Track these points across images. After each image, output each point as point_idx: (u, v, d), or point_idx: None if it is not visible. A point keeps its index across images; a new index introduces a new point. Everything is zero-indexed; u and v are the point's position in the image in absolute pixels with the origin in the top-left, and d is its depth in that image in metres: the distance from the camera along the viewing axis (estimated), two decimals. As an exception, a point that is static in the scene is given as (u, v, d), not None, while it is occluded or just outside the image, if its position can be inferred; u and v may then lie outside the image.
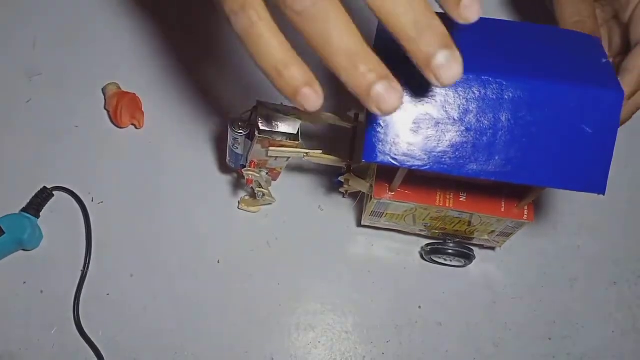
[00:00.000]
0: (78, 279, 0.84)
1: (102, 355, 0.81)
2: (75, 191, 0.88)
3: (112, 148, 0.91)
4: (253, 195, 0.84)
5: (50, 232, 0.87)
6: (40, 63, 0.96)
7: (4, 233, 0.82)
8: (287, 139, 0.72)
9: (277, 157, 0.74)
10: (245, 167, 0.77)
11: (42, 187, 0.87)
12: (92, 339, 0.82)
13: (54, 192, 0.88)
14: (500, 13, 0.71)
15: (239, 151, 0.77)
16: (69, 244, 0.86)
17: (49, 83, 0.95)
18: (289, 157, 0.75)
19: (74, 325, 0.82)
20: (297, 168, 0.91)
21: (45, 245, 0.86)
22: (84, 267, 0.85)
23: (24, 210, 0.86)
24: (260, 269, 0.86)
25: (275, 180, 0.83)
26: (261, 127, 0.71)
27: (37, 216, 0.87)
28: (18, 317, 0.82)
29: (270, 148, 0.72)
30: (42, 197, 0.87)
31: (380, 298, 0.86)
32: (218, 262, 0.86)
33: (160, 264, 0.86)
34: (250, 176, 0.77)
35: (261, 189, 0.81)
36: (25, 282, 0.84)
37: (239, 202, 0.88)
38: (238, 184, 0.89)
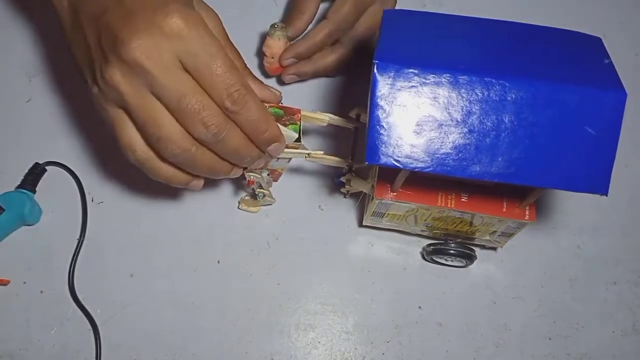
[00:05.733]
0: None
1: (101, 354, 0.81)
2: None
3: (112, 148, 0.90)
4: (253, 195, 0.84)
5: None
6: (40, 63, 0.96)
7: (3, 210, 0.82)
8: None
9: (278, 158, 0.74)
10: (246, 168, 0.77)
11: (33, 163, 0.89)
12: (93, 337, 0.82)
13: (46, 168, 0.89)
14: (503, 14, 0.71)
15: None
16: (69, 242, 0.86)
17: (49, 83, 0.95)
18: (290, 158, 0.75)
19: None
20: (298, 168, 0.91)
21: (46, 244, 0.86)
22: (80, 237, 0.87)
23: (19, 187, 0.87)
24: (260, 269, 0.86)
25: (276, 181, 0.83)
26: None
27: (34, 191, 0.87)
28: (18, 317, 0.82)
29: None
30: (36, 172, 0.88)
31: (380, 298, 0.86)
32: (218, 262, 0.86)
33: (160, 264, 0.86)
34: (252, 177, 0.77)
35: (262, 190, 0.81)
36: (25, 282, 0.84)
37: (239, 202, 0.88)
38: (238, 184, 0.89)
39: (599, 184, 0.61)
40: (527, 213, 0.75)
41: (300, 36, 0.92)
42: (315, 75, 0.95)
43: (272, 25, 0.89)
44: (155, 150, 0.65)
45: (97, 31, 0.63)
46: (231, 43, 0.68)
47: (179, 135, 0.63)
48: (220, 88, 0.62)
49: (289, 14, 0.93)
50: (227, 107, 0.63)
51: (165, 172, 0.68)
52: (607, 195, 0.61)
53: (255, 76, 0.70)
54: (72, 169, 0.89)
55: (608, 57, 0.65)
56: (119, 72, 0.61)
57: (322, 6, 0.96)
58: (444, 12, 0.71)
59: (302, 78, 0.95)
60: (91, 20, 0.64)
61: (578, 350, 0.84)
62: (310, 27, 0.92)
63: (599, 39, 0.68)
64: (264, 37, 0.92)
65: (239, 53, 0.68)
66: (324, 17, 0.91)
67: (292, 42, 0.92)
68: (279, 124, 0.70)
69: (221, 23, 0.69)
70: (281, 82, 0.96)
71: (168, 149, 0.63)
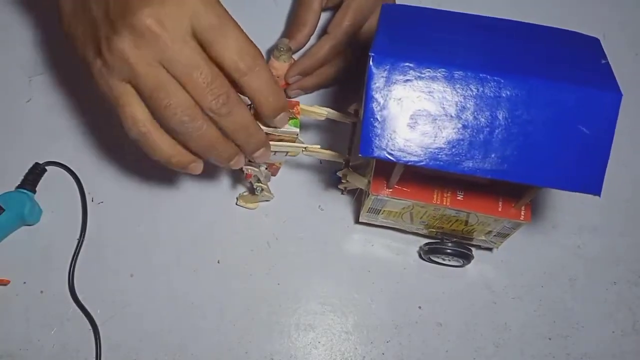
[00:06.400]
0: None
1: (101, 354, 0.81)
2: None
3: (111, 148, 0.91)
4: (252, 190, 0.84)
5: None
6: (40, 63, 0.96)
7: (3, 210, 0.82)
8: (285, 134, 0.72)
9: (275, 151, 0.74)
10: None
11: (33, 163, 0.89)
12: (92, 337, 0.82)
13: (46, 167, 0.90)
14: (502, 13, 0.71)
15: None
16: (69, 242, 0.86)
17: (49, 83, 0.95)
18: (287, 152, 0.75)
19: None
20: (298, 167, 0.91)
21: (46, 244, 0.86)
22: (80, 236, 0.87)
23: (19, 187, 0.87)
24: (260, 269, 0.86)
25: (274, 175, 0.83)
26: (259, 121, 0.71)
27: (34, 191, 0.88)
28: (18, 317, 0.82)
29: (269, 142, 0.72)
30: (36, 172, 0.88)
31: (380, 298, 0.86)
32: (218, 262, 0.86)
33: (160, 264, 0.86)
34: (250, 171, 0.77)
35: (260, 184, 0.81)
36: (25, 282, 0.84)
37: (237, 199, 0.88)
38: (237, 180, 0.89)
39: (592, 184, 0.61)
40: (522, 213, 0.75)
41: (303, 48, 0.94)
42: (318, 87, 0.95)
43: (278, 48, 0.89)
44: (163, 119, 0.65)
45: (106, 3, 0.63)
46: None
47: (189, 103, 0.63)
48: (234, 57, 0.63)
49: (290, 27, 0.94)
50: (240, 68, 0.64)
51: (166, 149, 0.67)
52: (599, 196, 0.61)
53: None
54: (72, 169, 0.89)
55: (605, 57, 0.65)
56: (127, 41, 0.61)
57: (324, 15, 0.96)
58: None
59: (306, 91, 0.96)
60: None
61: (578, 350, 0.84)
62: (312, 38, 0.94)
63: (597, 40, 0.68)
64: (263, 42, 0.92)
65: None
66: (325, 31, 0.91)
67: (295, 59, 0.93)
68: None
69: None
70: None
71: (177, 115, 0.63)
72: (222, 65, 0.63)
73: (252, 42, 0.65)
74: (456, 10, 0.69)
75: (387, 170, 0.72)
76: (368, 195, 0.76)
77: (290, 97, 0.95)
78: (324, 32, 0.91)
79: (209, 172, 0.90)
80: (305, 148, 0.75)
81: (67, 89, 0.95)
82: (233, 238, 0.88)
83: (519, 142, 0.61)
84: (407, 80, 0.61)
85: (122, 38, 0.61)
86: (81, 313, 0.83)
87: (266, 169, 0.79)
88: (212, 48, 0.63)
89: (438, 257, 0.85)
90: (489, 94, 0.61)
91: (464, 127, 0.61)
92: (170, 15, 0.61)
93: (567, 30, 0.69)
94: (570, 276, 0.88)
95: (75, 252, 0.85)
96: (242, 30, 0.64)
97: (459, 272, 0.87)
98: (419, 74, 0.61)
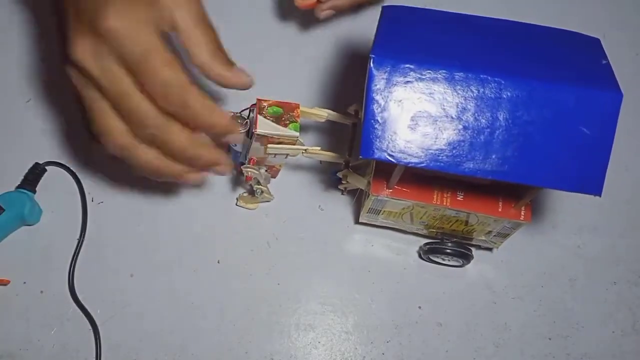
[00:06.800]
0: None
1: (101, 354, 0.81)
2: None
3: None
4: (251, 192, 0.84)
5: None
6: (40, 63, 0.96)
7: (3, 210, 0.82)
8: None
9: (275, 154, 0.74)
10: (244, 164, 0.77)
11: (33, 163, 0.89)
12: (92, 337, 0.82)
13: (46, 167, 0.89)
14: (502, 13, 0.71)
15: (238, 148, 0.77)
16: (69, 242, 0.86)
17: (49, 83, 0.95)
18: (287, 154, 0.75)
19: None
20: (298, 167, 0.91)
21: (46, 244, 0.86)
22: (80, 236, 0.87)
23: (19, 187, 0.87)
24: (260, 269, 0.86)
25: (274, 177, 0.83)
26: (259, 125, 0.71)
27: (34, 191, 0.88)
28: (18, 317, 0.82)
29: (269, 145, 0.72)
30: (36, 172, 0.88)
31: (380, 298, 0.86)
32: (218, 262, 0.86)
33: (160, 264, 0.86)
34: (250, 173, 0.77)
35: (260, 186, 0.81)
36: (25, 282, 0.84)
37: (237, 199, 0.88)
38: (238, 180, 0.89)
39: (592, 185, 0.61)
40: (522, 213, 0.75)
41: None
42: (350, 7, 0.90)
43: None
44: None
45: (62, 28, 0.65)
46: (206, 23, 0.66)
47: (119, 131, 0.66)
48: (157, 87, 0.62)
49: None
50: (164, 107, 0.63)
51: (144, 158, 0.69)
52: (600, 196, 0.61)
53: (229, 61, 0.68)
54: (72, 169, 0.89)
55: (606, 58, 0.65)
56: (71, 69, 0.64)
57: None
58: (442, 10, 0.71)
59: (337, 11, 0.90)
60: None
61: (578, 350, 0.84)
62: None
63: (597, 40, 0.68)
64: (262, 41, 0.92)
65: (214, 33, 0.66)
66: None
67: None
68: (279, 126, 0.71)
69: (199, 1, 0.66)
70: (306, 24, 0.96)
71: (108, 143, 0.67)
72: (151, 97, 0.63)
73: (178, 67, 0.63)
74: (456, 12, 0.70)
75: (387, 170, 0.72)
76: (368, 196, 0.76)
77: (319, 19, 0.90)
78: None
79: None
80: (305, 150, 0.75)
81: (67, 89, 0.94)
82: (233, 238, 0.88)
83: (519, 143, 0.61)
84: (408, 81, 0.61)
85: (68, 68, 0.65)
86: (81, 313, 0.82)
87: (266, 171, 0.79)
88: (139, 79, 0.62)
89: (437, 257, 0.85)
90: (489, 95, 0.61)
91: (465, 128, 0.61)
92: (96, 47, 0.61)
93: (568, 31, 0.69)
94: (570, 276, 0.88)
95: (75, 252, 0.85)
96: (168, 60, 0.62)
97: (459, 272, 0.87)
98: (419, 76, 0.61)
